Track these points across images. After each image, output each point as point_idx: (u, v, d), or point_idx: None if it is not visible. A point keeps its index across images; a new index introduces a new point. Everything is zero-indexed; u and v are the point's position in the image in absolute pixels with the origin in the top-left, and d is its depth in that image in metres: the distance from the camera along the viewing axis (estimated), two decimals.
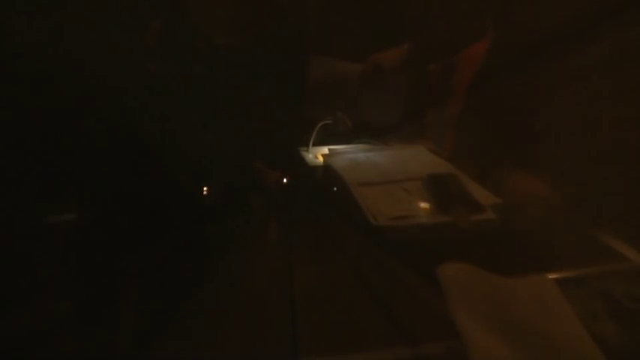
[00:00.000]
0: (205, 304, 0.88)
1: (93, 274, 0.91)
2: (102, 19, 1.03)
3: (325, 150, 1.47)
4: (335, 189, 1.27)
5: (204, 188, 1.30)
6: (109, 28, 1.05)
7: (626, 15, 0.91)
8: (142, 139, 1.10)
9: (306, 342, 0.73)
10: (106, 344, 0.77)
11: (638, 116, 0.94)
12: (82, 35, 0.98)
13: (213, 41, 1.39)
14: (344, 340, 0.73)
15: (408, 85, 1.51)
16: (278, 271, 0.97)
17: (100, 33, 1.02)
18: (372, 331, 0.76)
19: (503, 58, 1.19)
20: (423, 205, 1.09)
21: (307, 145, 1.50)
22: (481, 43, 1.30)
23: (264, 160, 1.48)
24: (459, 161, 1.28)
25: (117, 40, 1.07)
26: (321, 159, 1.43)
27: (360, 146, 1.51)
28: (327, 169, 1.35)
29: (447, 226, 1.02)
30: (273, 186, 1.43)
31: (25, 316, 0.80)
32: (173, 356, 0.75)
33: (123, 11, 1.08)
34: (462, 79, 1.35)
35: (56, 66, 0.93)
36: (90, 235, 0.97)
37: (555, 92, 1.07)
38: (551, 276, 0.78)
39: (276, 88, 1.51)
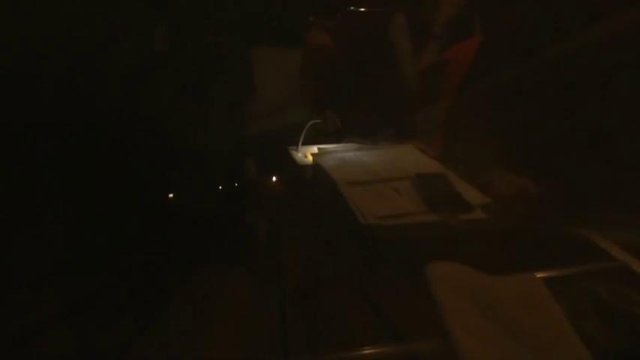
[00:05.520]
0: (195, 303, 0.87)
1: (81, 274, 0.91)
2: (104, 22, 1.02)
3: (315, 149, 1.47)
4: (324, 188, 1.26)
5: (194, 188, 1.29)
6: (111, 32, 1.04)
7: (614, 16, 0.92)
8: (134, 140, 1.10)
9: (296, 341, 0.73)
10: (95, 344, 0.76)
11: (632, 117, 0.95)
12: (83, 38, 0.98)
13: (206, 41, 1.38)
14: (334, 339, 0.73)
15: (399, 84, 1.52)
16: (268, 269, 0.97)
17: (100, 35, 1.01)
18: (361, 330, 0.76)
19: (492, 57, 1.20)
20: (413, 204, 1.09)
21: (297, 145, 1.50)
22: (470, 43, 1.31)
23: (254, 159, 1.47)
24: (448, 160, 1.28)
25: (119, 43, 1.06)
26: (310, 158, 1.43)
27: (350, 145, 1.51)
28: (316, 168, 1.34)
29: (436, 225, 1.02)
30: (263, 186, 1.43)
31: (12, 316, 0.79)
32: (163, 356, 0.74)
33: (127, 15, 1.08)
34: (451, 79, 1.35)
35: (52, 67, 0.92)
36: (78, 236, 0.96)
37: (546, 91, 1.08)
38: (540, 275, 0.78)
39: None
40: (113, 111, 1.04)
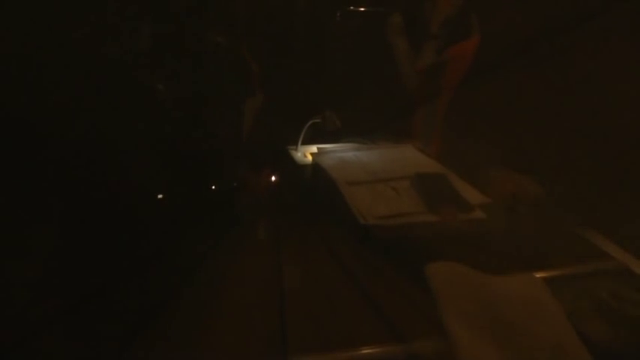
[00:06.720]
0: (194, 303, 0.87)
1: (79, 274, 0.90)
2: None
3: (314, 149, 1.47)
4: (324, 188, 1.26)
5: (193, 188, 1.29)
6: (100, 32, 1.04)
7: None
8: (131, 140, 1.09)
9: (295, 341, 0.73)
10: (94, 345, 0.76)
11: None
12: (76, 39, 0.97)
13: (203, 39, 1.38)
14: (333, 338, 0.73)
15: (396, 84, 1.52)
16: (267, 269, 0.96)
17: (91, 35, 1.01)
18: (360, 330, 0.76)
19: (492, 56, 1.20)
20: (412, 204, 1.09)
21: (296, 144, 1.50)
22: (468, 42, 1.31)
23: (252, 159, 1.47)
24: (447, 160, 1.28)
25: (109, 43, 1.06)
26: (309, 158, 1.43)
27: (349, 145, 1.50)
28: (315, 167, 1.34)
29: (435, 225, 1.02)
30: (262, 185, 1.43)
31: (12, 316, 0.78)
32: (162, 356, 0.74)
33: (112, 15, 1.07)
34: (451, 78, 1.35)
35: (44, 68, 0.92)
36: (76, 237, 0.96)
37: (545, 91, 1.08)
38: (539, 275, 0.78)
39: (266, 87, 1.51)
40: (98, 110, 1.04)
